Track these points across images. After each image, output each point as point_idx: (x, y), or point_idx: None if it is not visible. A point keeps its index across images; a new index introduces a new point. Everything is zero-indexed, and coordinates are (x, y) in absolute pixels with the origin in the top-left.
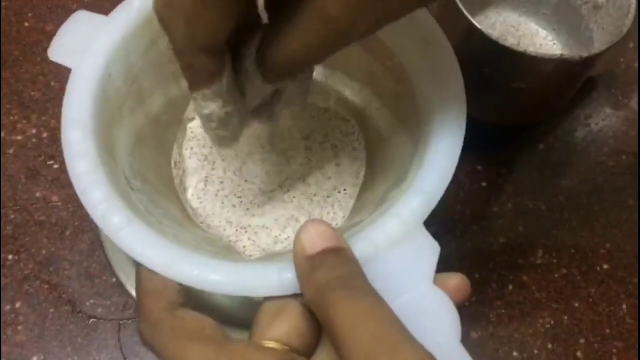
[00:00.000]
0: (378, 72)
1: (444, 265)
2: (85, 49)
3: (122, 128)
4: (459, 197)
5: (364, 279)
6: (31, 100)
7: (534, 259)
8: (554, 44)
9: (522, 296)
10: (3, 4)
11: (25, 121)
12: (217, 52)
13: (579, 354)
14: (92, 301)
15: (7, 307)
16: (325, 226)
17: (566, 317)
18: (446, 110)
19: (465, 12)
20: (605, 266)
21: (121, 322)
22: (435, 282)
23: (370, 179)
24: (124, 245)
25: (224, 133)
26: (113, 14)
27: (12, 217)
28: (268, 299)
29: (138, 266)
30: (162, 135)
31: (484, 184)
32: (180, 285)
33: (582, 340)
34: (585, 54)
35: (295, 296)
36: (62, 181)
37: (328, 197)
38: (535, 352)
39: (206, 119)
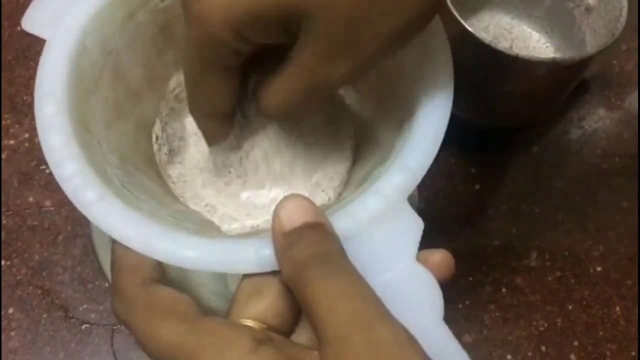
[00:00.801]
0: None
1: None
2: (60, 20)
3: (98, 102)
4: (452, 200)
5: (343, 255)
6: (24, 105)
7: (527, 262)
8: (547, 46)
9: (515, 299)
10: None
11: (17, 125)
12: (227, 117)
13: (572, 356)
14: (85, 306)
15: None
16: (304, 200)
17: (560, 320)
18: (432, 89)
19: (457, 16)
20: (599, 268)
21: (114, 328)
22: (418, 258)
23: (355, 161)
24: (97, 220)
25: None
26: None
27: (5, 222)
28: (246, 276)
29: (113, 242)
30: (143, 109)
31: (477, 187)
32: (156, 261)
33: (576, 343)
34: (577, 57)
35: (274, 273)
36: (55, 186)
37: (315, 175)
38: (529, 354)
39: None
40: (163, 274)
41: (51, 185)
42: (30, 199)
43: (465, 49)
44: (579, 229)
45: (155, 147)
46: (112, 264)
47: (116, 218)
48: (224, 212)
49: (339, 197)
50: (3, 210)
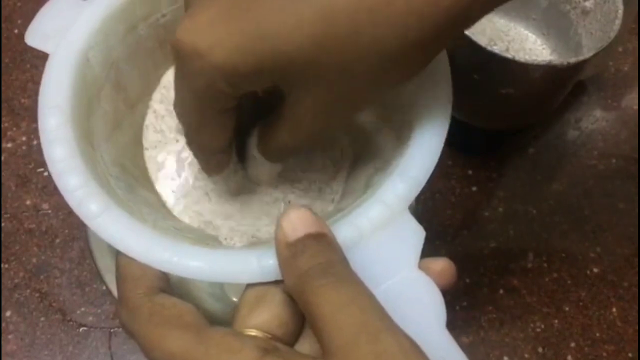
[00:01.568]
0: None
1: None
2: (63, 33)
3: (99, 114)
4: (449, 202)
5: (346, 265)
6: (21, 107)
7: (524, 263)
8: (543, 48)
9: (512, 300)
10: None
11: (15, 128)
12: (223, 151)
13: (569, 357)
14: (82, 309)
15: None
16: (306, 212)
17: (556, 321)
18: (432, 97)
19: None
20: (595, 269)
21: (112, 330)
22: (420, 266)
23: (355, 167)
24: (101, 231)
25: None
26: None
27: (2, 225)
28: (250, 286)
29: (117, 253)
30: (139, 122)
31: (474, 188)
32: (160, 271)
33: (573, 344)
34: (572, 60)
35: (277, 283)
36: (52, 189)
37: (314, 185)
38: (526, 356)
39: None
40: (168, 284)
41: (48, 189)
42: (28, 202)
43: (462, 52)
44: (575, 231)
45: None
46: (116, 274)
47: (120, 229)
48: (223, 225)
49: (339, 205)
50: (0, 213)
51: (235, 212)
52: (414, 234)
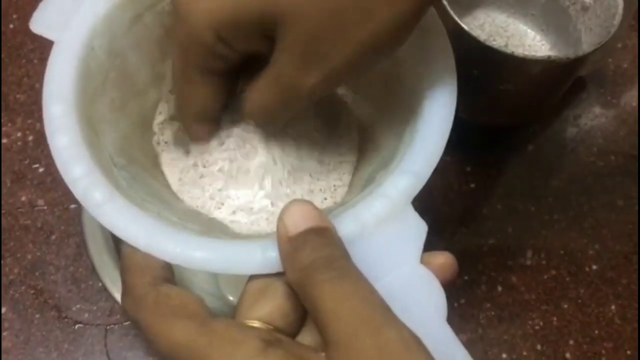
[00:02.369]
0: None
1: None
2: (68, 21)
3: (105, 102)
4: (447, 199)
5: (348, 259)
6: (16, 103)
7: (523, 260)
8: (542, 44)
9: (511, 297)
10: None
11: (10, 124)
12: (210, 121)
13: (567, 355)
14: (78, 306)
15: None
16: (308, 206)
17: (555, 318)
18: (435, 92)
19: (453, 14)
20: (594, 267)
21: (108, 327)
22: (421, 260)
23: (360, 162)
24: (105, 221)
25: None
26: None
27: None
28: (252, 277)
29: (121, 243)
30: (148, 111)
31: (472, 185)
32: (164, 261)
33: (571, 341)
34: (572, 56)
35: (279, 275)
36: (48, 185)
37: (319, 182)
38: (524, 353)
39: None
40: (172, 274)
41: (44, 185)
42: (23, 198)
43: (461, 47)
44: (574, 228)
45: (157, 148)
46: (121, 264)
47: (124, 219)
48: (227, 212)
49: (342, 199)
50: None
51: (241, 200)
52: (417, 229)
